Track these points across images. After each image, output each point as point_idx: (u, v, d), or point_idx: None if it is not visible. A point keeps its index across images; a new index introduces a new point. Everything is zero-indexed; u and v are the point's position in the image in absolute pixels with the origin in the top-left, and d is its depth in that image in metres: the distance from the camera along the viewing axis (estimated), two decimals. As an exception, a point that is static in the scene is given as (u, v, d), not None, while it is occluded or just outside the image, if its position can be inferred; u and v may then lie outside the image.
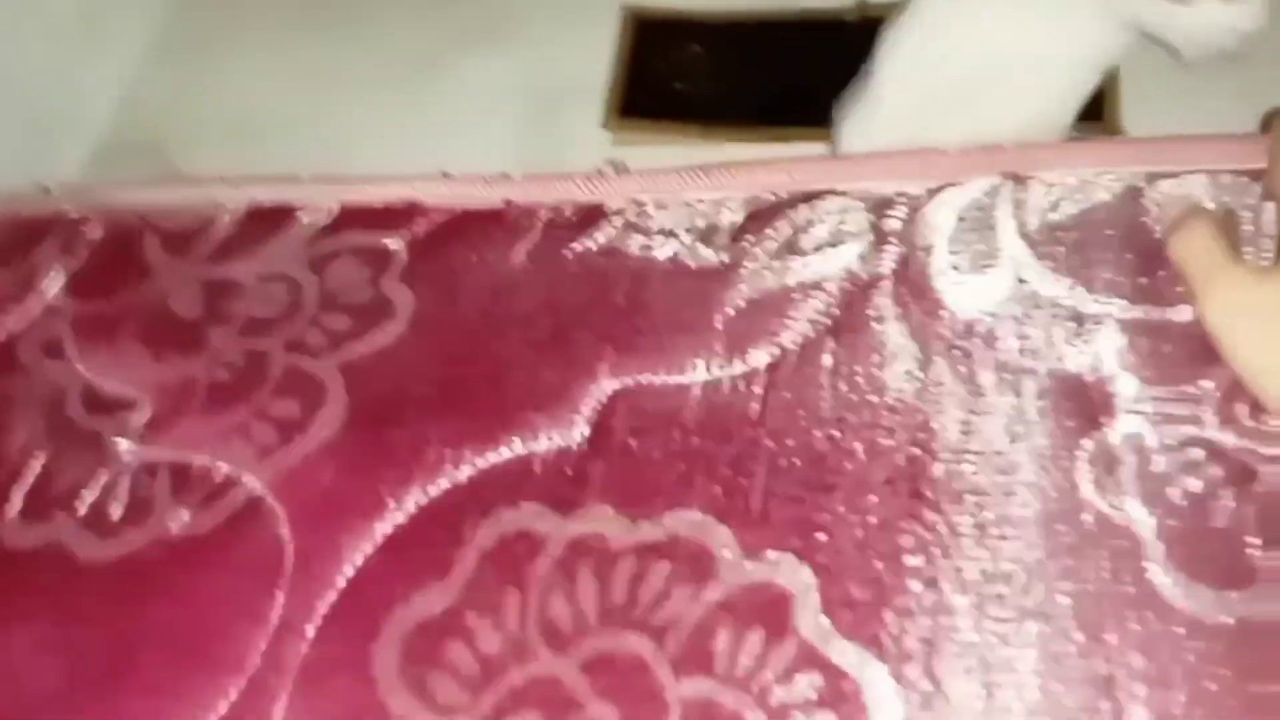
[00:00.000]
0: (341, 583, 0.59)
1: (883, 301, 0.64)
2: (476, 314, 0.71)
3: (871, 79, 0.81)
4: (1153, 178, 0.63)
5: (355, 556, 0.60)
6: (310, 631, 0.58)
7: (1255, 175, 0.62)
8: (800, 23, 1.06)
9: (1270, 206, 0.61)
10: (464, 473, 0.63)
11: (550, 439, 0.63)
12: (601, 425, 0.63)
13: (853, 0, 1.04)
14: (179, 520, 0.65)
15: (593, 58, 1.13)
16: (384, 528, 0.61)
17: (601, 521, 0.59)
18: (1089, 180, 0.64)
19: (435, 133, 1.14)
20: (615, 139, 1.07)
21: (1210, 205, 0.62)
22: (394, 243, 0.76)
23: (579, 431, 0.63)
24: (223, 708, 0.57)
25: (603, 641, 0.55)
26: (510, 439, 0.64)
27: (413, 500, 0.62)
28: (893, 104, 0.81)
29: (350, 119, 1.17)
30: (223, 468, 0.66)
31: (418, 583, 0.58)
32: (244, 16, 1.28)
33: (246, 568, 0.62)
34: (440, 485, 0.62)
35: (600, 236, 0.72)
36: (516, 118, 1.13)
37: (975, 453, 0.58)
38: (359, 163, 1.11)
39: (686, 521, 0.58)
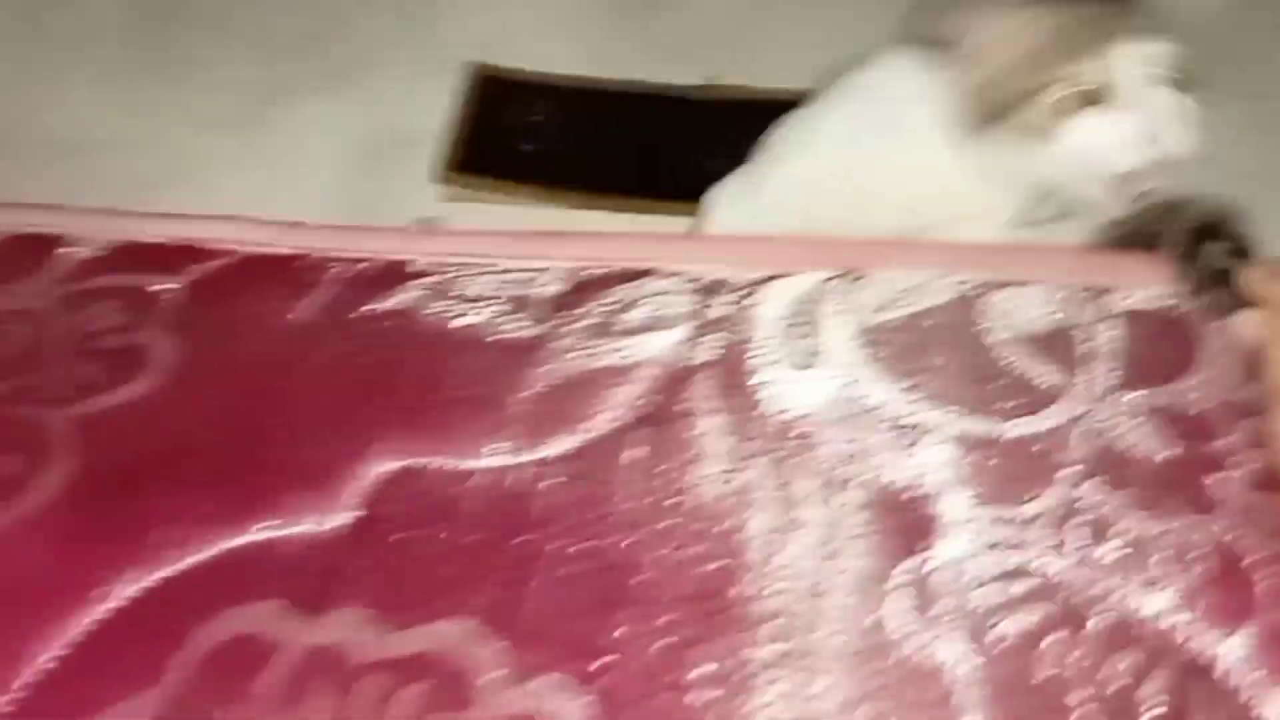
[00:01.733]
0: (19, 688, 0.49)
1: (698, 394, 0.58)
2: (246, 373, 0.62)
3: (759, 163, 0.77)
4: (986, 288, 0.59)
5: (45, 655, 0.50)
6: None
7: (1093, 291, 0.58)
8: (649, 95, 1.03)
9: (1105, 326, 0.57)
10: (196, 557, 0.53)
11: (306, 524, 0.55)
12: (366, 512, 0.55)
13: (701, 78, 1.02)
14: None
15: (434, 112, 1.08)
16: (89, 619, 0.51)
17: (350, 628, 0.50)
18: (920, 284, 0.60)
19: (262, 175, 1.07)
20: (447, 193, 1.02)
21: None
22: (164, 286, 0.67)
23: (341, 517, 0.55)
24: None
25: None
26: (258, 521, 0.55)
27: (131, 587, 0.52)
28: (778, 192, 0.76)
29: (175, 156, 1.10)
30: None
31: (120, 691, 0.49)
32: (76, 46, 1.20)
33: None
34: (165, 571, 0.53)
35: (395, 299, 0.64)
36: (348, 165, 1.07)
37: (783, 569, 0.52)
38: (180, 200, 1.05)
39: (450, 633, 0.50)
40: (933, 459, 0.54)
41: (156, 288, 0.66)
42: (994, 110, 0.67)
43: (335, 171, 1.06)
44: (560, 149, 1.05)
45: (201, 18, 1.22)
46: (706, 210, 0.78)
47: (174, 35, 1.21)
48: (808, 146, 0.74)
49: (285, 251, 0.67)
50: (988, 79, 0.68)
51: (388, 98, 1.11)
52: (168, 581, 0.52)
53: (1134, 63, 0.64)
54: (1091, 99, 0.64)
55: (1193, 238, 0.61)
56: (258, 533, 0.54)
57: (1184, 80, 0.65)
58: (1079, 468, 0.53)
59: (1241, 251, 0.61)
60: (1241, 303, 0.59)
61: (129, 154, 1.08)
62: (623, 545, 0.53)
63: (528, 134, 1.06)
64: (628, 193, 0.98)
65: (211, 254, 0.68)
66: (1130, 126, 0.63)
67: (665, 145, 0.88)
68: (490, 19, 1.16)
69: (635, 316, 0.62)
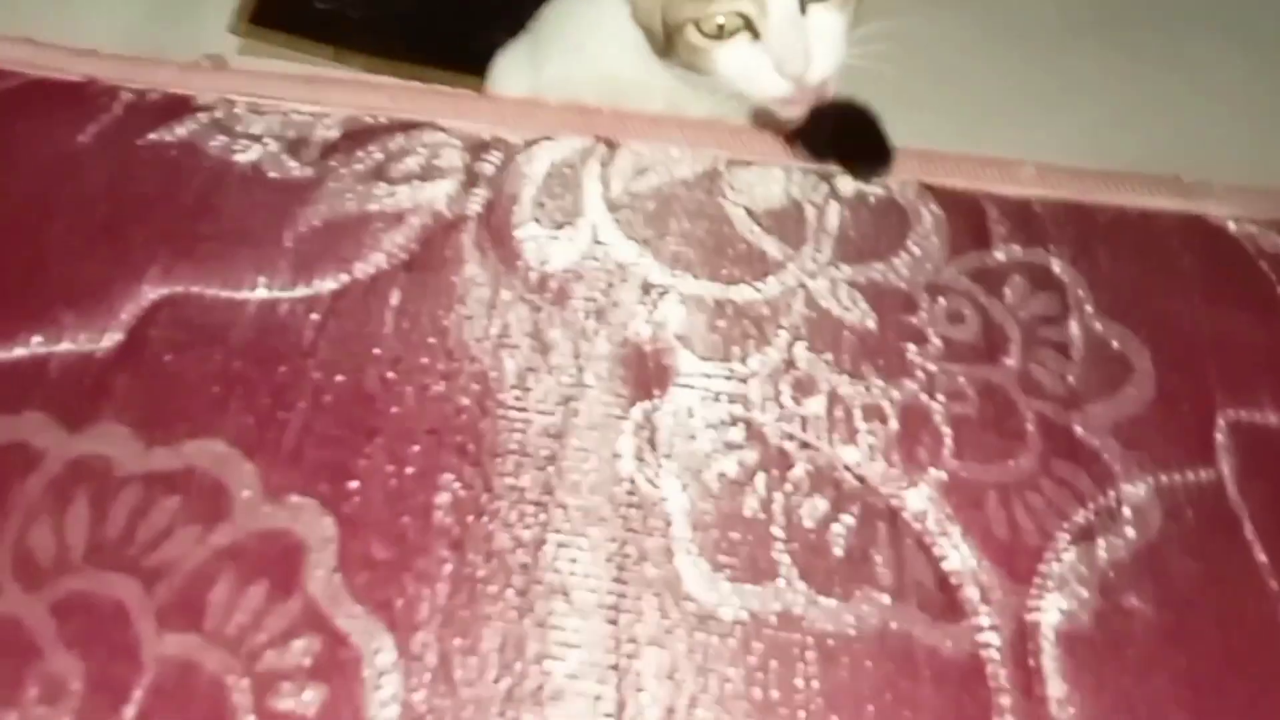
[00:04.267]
0: None
1: (463, 243, 0.62)
2: (22, 194, 0.63)
3: (537, 32, 0.78)
4: (732, 164, 0.64)
5: None
6: None
7: (825, 174, 0.65)
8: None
9: (834, 207, 0.64)
10: (-38, 368, 0.55)
11: (75, 341, 0.57)
12: (137, 333, 0.57)
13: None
14: None
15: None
16: None
17: (112, 441, 0.53)
18: (674, 157, 0.64)
19: (50, 16, 1.02)
20: (242, 45, 1.02)
21: None
22: (-55, 105, 0.66)
23: (111, 337, 0.57)
24: None
25: (83, 581, 0.49)
26: (28, 336, 0.56)
27: (-108, 394, 0.53)
28: (550, 81, 0.77)
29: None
30: None
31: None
32: None
33: None
34: (-73, 378, 0.55)
35: (181, 130, 0.65)
36: (143, 6, 1.04)
37: (526, 410, 0.57)
38: None
39: (209, 452, 0.53)
40: (672, 316, 0.60)
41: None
42: (663, 36, 0.68)
43: (129, 13, 1.03)
44: (351, 9, 1.06)
45: None
46: (491, 77, 0.80)
47: None
48: (563, 43, 0.76)
49: (75, 78, 0.67)
50: (642, 12, 0.69)
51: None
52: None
53: None
54: (744, 25, 0.64)
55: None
56: (28, 346, 0.56)
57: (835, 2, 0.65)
58: (794, 331, 0.60)
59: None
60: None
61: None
62: (382, 379, 0.57)
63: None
64: (415, 60, 1.00)
65: (2, 74, 0.67)
66: (773, 55, 0.64)
67: (453, 14, 0.90)
68: None
69: (409, 165, 0.64)
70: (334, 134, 0.66)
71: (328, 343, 0.58)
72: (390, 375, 0.57)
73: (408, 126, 0.66)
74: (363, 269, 0.61)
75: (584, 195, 0.63)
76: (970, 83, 1.03)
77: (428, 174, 0.64)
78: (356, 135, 0.66)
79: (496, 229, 0.62)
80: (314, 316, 0.59)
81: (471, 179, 0.64)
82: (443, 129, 0.66)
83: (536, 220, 0.62)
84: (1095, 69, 1.07)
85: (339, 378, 0.57)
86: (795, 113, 0.67)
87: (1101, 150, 0.91)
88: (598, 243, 0.62)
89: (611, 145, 0.65)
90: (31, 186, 0.63)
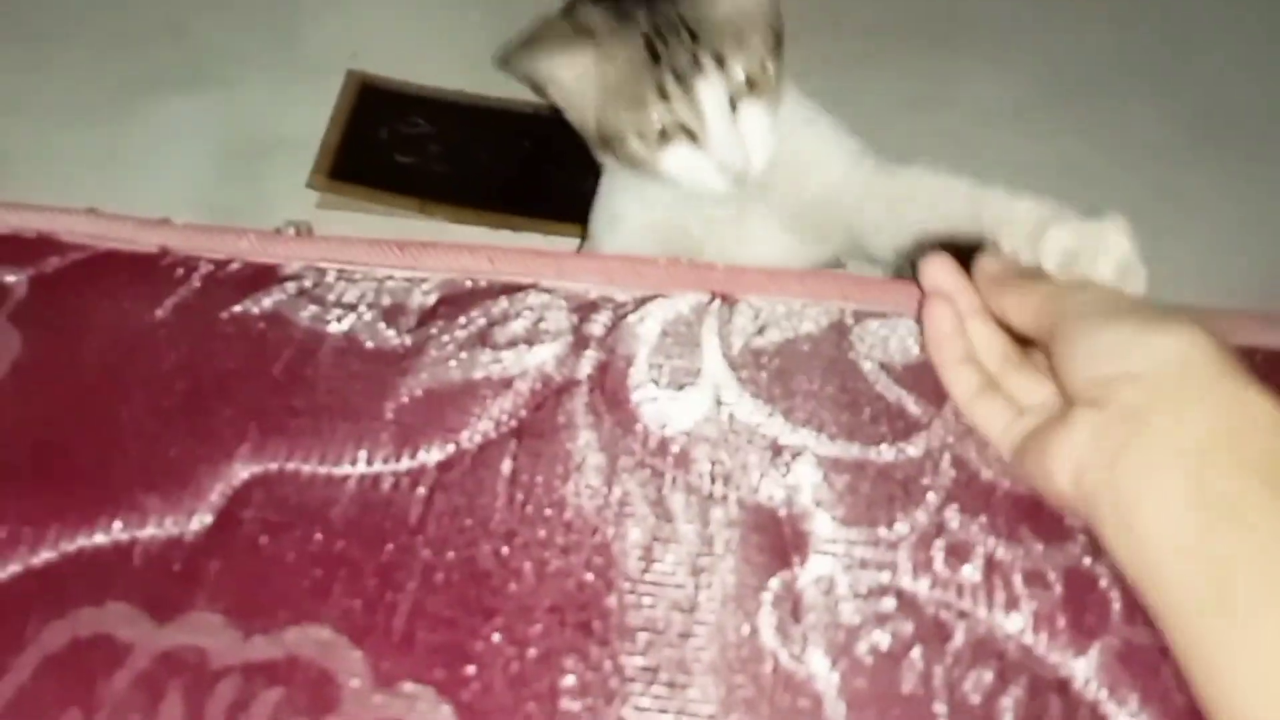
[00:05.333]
0: None
1: (575, 408, 0.58)
2: (97, 369, 0.59)
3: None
4: (860, 315, 0.61)
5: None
6: None
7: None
8: (524, 113, 1.03)
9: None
10: (43, 556, 0.50)
11: (160, 526, 0.52)
12: (228, 515, 0.53)
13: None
14: None
15: (308, 116, 1.06)
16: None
17: (205, 631, 0.48)
18: (796, 310, 0.61)
19: (122, 172, 1.03)
20: (320, 200, 1.01)
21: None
22: (16, 278, 0.63)
23: (199, 520, 0.53)
24: None
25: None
26: (109, 522, 0.52)
27: (-23, 584, 0.49)
28: (603, 239, 0.79)
29: (24, 147, 1.05)
30: None
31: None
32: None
33: None
34: (10, 569, 0.50)
35: (267, 301, 0.63)
36: (213, 166, 1.04)
37: (654, 584, 0.52)
38: (30, 195, 1.00)
39: (312, 639, 0.48)
40: (805, 479, 0.55)
41: (10, 279, 0.63)
42: (598, 139, 0.75)
43: (200, 172, 1.03)
44: (435, 162, 1.05)
45: (53, 5, 1.17)
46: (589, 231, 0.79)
47: (23, 15, 1.16)
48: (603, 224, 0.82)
49: (148, 250, 0.65)
50: (583, 117, 0.75)
51: (258, 98, 1.08)
52: (15, 579, 0.49)
53: (714, 93, 0.71)
54: (682, 131, 0.71)
55: None
56: (109, 533, 0.52)
57: (764, 96, 0.72)
58: (943, 493, 0.55)
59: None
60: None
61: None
62: (496, 554, 0.52)
63: (404, 145, 1.06)
64: (500, 209, 0.99)
65: (68, 247, 0.65)
66: (714, 156, 0.71)
67: (539, 163, 0.89)
68: (367, 25, 1.15)
69: (513, 329, 0.61)
70: (432, 299, 0.63)
71: (436, 518, 0.53)
72: (505, 550, 0.52)
73: (510, 289, 0.63)
74: (470, 439, 0.56)
75: (703, 354, 0.59)
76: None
77: (534, 337, 0.60)
78: (456, 300, 0.63)
79: (611, 392, 0.58)
80: (420, 491, 0.54)
81: (581, 341, 0.60)
82: (547, 290, 0.63)
83: (654, 381, 0.58)
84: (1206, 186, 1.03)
85: (450, 555, 0.52)
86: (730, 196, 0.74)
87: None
88: (720, 403, 0.58)
89: (728, 300, 0.61)
90: (105, 362, 0.60)
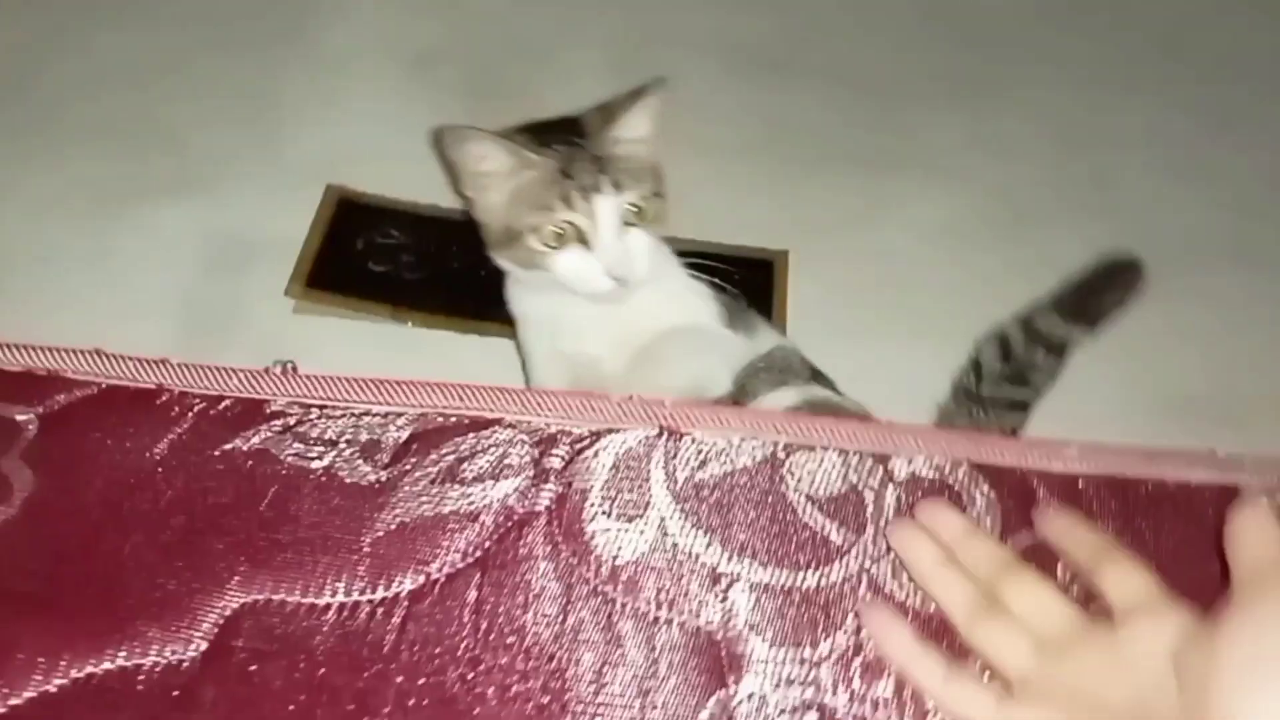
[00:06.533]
0: None
1: (535, 540, 0.64)
2: (102, 505, 0.65)
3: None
4: (791, 449, 0.68)
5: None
6: None
7: (880, 458, 0.67)
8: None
9: (891, 490, 0.66)
10: (54, 684, 0.56)
11: (160, 654, 0.58)
12: (220, 643, 0.59)
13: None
14: None
15: (288, 225, 1.13)
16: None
17: (203, 758, 0.54)
18: (735, 444, 0.68)
19: (109, 274, 1.09)
20: (297, 306, 1.07)
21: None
22: (27, 415, 0.69)
23: (195, 648, 0.59)
24: None
25: None
26: (113, 652, 0.58)
27: (-12, 713, 0.55)
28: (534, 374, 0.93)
29: (13, 248, 1.10)
30: None
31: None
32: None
33: None
34: (24, 696, 0.56)
35: (255, 439, 0.69)
36: (199, 267, 1.10)
37: (605, 705, 0.58)
38: (18, 295, 1.05)
39: (299, 764, 0.54)
40: (740, 604, 0.62)
41: (21, 417, 0.69)
42: (504, 237, 0.87)
43: (185, 273, 1.09)
44: (408, 270, 1.13)
45: (45, 103, 1.23)
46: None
47: (16, 121, 1.21)
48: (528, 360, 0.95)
49: (146, 386, 0.71)
50: (489, 211, 0.88)
51: (242, 206, 1.15)
52: (29, 703, 0.55)
53: (610, 207, 0.84)
54: (577, 237, 0.84)
55: None
56: (113, 661, 0.57)
57: (647, 224, 0.86)
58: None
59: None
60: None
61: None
62: (463, 680, 0.58)
63: (378, 255, 1.14)
64: (468, 315, 1.08)
65: (74, 384, 0.71)
66: (603, 262, 0.84)
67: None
68: (346, 141, 1.22)
69: (480, 465, 0.67)
70: (405, 434, 0.69)
71: (409, 646, 0.60)
72: (470, 675, 0.59)
73: (477, 425, 0.69)
74: (439, 569, 0.63)
75: (650, 487, 0.66)
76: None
77: (498, 472, 0.67)
78: (428, 435, 0.69)
79: (568, 524, 0.65)
80: (394, 619, 0.60)
81: (541, 475, 0.67)
82: (511, 425, 0.69)
83: (605, 514, 0.65)
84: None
85: (421, 681, 0.58)
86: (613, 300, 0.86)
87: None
88: (665, 534, 0.64)
89: (674, 434, 0.68)
90: (109, 499, 0.66)
